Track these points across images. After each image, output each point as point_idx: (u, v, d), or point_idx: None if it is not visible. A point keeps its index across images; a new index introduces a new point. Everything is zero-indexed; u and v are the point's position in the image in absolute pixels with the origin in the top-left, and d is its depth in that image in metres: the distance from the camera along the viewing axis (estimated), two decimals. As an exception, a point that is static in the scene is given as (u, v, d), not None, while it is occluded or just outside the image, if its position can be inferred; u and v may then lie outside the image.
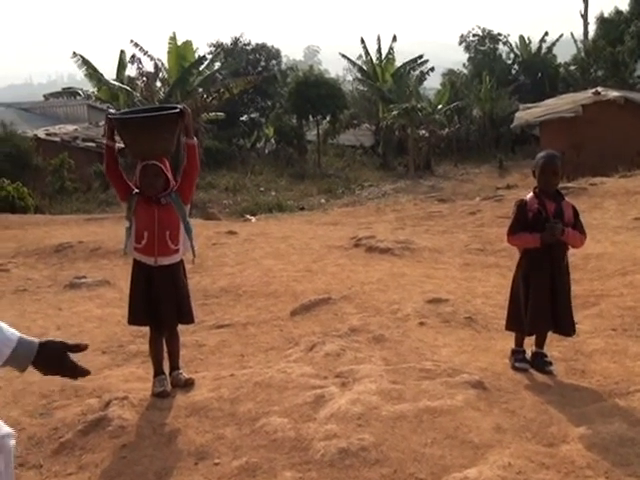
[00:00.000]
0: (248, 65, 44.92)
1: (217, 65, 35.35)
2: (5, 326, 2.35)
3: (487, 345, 5.72)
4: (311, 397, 4.49)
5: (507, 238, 5.19)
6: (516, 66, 50.27)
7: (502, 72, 46.70)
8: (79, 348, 2.45)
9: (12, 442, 2.43)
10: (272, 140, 43.55)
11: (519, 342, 5.18)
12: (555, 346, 5.43)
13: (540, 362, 5.07)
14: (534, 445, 3.83)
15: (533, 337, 5.18)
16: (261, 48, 47.75)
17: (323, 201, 27.18)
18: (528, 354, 5.16)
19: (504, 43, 51.38)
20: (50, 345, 2.38)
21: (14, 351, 2.32)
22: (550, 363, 5.06)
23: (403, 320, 6.40)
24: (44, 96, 35.22)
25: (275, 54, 48.37)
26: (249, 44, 47.48)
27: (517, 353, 5.15)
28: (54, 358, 2.39)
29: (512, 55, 50.82)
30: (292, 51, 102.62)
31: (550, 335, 5.18)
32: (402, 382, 4.66)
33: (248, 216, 22.06)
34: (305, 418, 4.23)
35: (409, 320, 6.39)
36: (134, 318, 4.97)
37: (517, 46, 50.27)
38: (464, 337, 5.97)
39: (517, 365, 5.07)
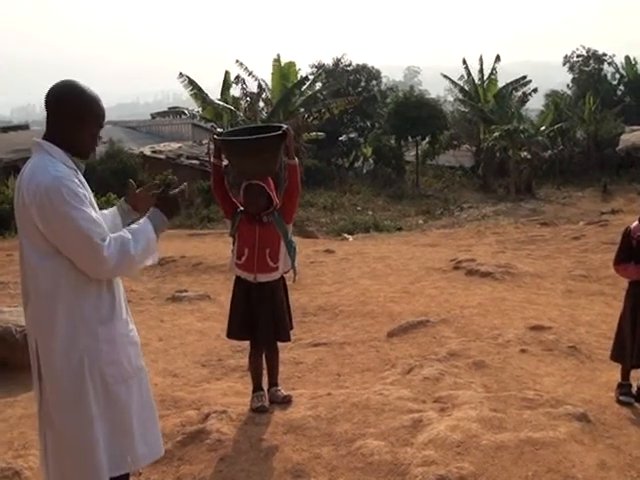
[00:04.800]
0: (349, 85, 45.01)
1: (318, 85, 35.63)
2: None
3: (591, 376, 5.53)
4: (409, 421, 4.43)
5: (613, 267, 5.14)
6: (622, 87, 48.64)
7: (607, 93, 45.19)
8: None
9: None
10: (370, 160, 43.55)
11: (625, 375, 5.01)
12: (663, 381, 5.20)
13: (646, 397, 4.88)
14: (641, 484, 3.67)
15: (639, 371, 5.00)
16: (362, 69, 47.87)
17: (421, 222, 26.89)
18: (634, 388, 4.97)
19: (609, 63, 49.73)
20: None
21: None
22: (657, 398, 4.86)
23: (504, 346, 6.26)
24: (152, 115, 36.29)
25: (375, 75, 48.36)
26: (350, 65, 47.67)
27: (622, 386, 4.97)
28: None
29: (617, 76, 49.21)
30: (392, 72, 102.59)
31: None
32: (503, 410, 4.54)
33: (345, 235, 22.07)
34: (402, 442, 4.17)
35: (510, 346, 6.24)
36: (232, 332, 5.08)
37: (623, 67, 48.65)
38: (567, 367, 5.79)
39: (622, 399, 4.88)
